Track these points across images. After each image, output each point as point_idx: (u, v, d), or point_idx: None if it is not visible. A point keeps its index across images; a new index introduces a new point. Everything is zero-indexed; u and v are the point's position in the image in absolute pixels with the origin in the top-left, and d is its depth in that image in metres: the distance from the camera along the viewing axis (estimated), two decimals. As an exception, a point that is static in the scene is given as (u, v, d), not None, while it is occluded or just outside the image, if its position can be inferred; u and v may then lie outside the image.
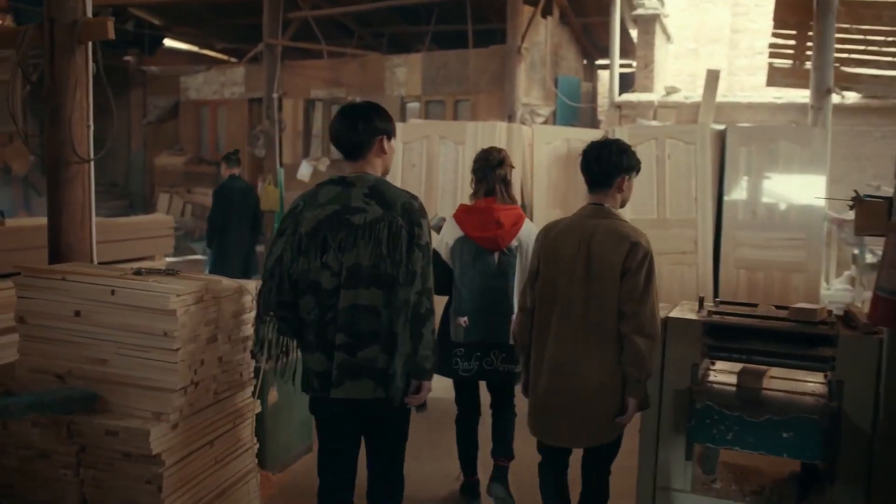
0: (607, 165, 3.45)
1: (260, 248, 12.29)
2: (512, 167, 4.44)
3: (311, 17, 13.68)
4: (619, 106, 12.30)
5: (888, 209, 3.32)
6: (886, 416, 3.23)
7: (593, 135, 8.42)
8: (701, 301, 3.79)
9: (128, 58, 16.66)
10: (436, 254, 4.14)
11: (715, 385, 3.56)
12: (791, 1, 9.82)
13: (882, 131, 11.11)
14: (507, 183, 4.36)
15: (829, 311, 3.59)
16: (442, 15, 14.02)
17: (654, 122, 11.20)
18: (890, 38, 9.89)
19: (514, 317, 4.14)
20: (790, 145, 7.55)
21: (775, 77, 10.66)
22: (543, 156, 8.05)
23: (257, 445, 4.01)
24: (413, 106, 13.51)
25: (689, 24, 15.40)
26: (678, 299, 7.23)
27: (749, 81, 14.57)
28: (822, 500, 3.55)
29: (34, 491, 3.38)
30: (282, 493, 4.54)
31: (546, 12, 13.05)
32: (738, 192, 7.65)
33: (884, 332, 3.30)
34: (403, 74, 13.57)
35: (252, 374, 3.89)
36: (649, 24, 13.28)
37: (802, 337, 3.42)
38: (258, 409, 3.97)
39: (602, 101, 15.33)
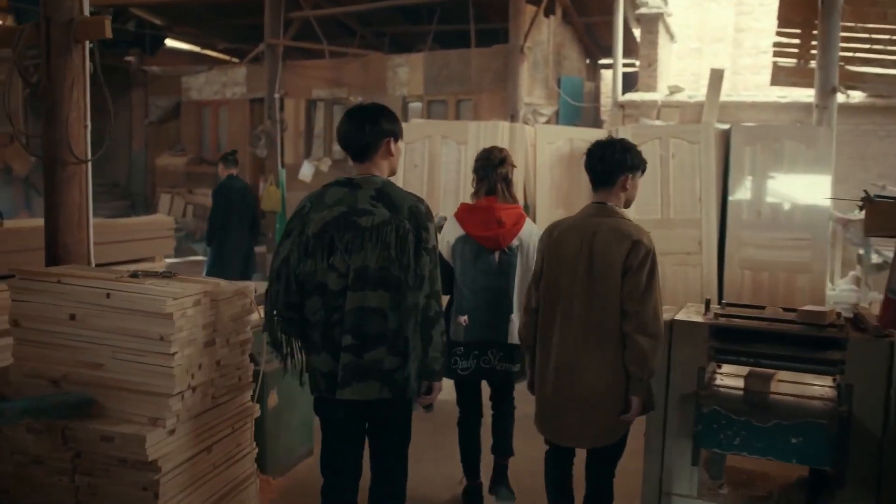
0: (610, 164, 3.44)
1: (261, 249, 12.28)
2: (513, 166, 4.41)
3: (313, 16, 13.64)
4: (622, 105, 12.24)
5: (899, 209, 3.26)
6: (897, 420, 3.18)
7: (597, 134, 8.37)
8: (707, 303, 3.73)
9: (129, 58, 16.63)
10: (437, 252, 4.11)
11: (721, 389, 3.50)
12: (796, -1, 9.78)
13: (887, 130, 11.04)
14: (508, 182, 4.34)
15: (838, 314, 3.53)
16: (444, 14, 13.98)
17: (657, 122, 11.14)
18: (895, 37, 9.83)
19: (513, 316, 4.19)
20: (795, 145, 7.50)
21: (780, 76, 10.61)
22: (546, 156, 8.00)
23: (256, 450, 3.95)
24: (415, 106, 13.46)
25: (693, 23, 15.34)
26: (682, 300, 7.26)
27: (753, 80, 14.51)
28: (831, 506, 3.50)
29: (29, 497, 3.32)
30: (283, 497, 4.48)
31: (549, 11, 13.00)
32: (742, 192, 7.59)
33: (894, 335, 3.25)
34: (405, 74, 13.52)
35: (251, 378, 3.84)
36: (652, 23, 13.22)
37: (811, 340, 3.36)
38: (257, 414, 3.92)
39: (605, 100, 15.28)
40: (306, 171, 13.63)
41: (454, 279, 4.29)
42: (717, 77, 10.85)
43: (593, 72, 16.26)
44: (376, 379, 3.11)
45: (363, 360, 3.09)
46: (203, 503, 3.48)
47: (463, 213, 4.35)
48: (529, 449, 4.68)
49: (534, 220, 7.27)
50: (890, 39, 9.87)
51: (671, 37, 14.48)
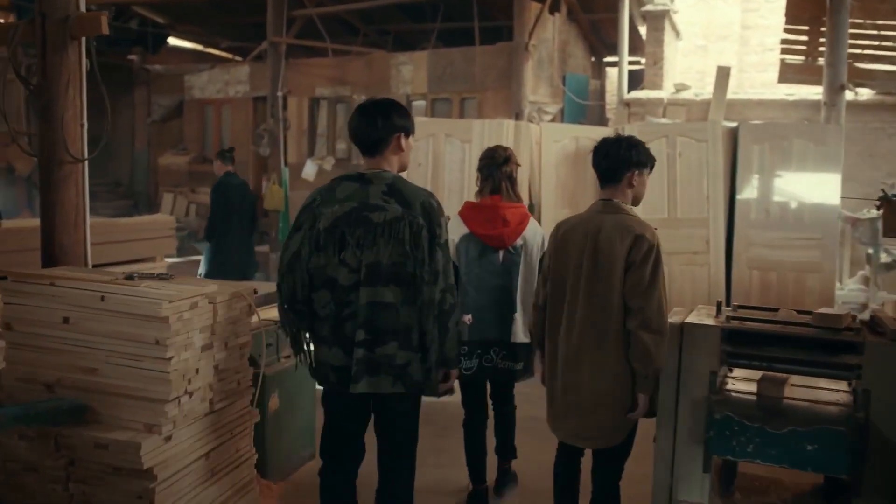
0: (616, 160, 3.45)
1: (262, 248, 12.22)
2: (518, 165, 4.41)
3: (316, 14, 13.58)
4: (627, 103, 12.13)
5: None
6: (916, 426, 3.08)
7: (603, 133, 8.30)
8: (719, 305, 3.63)
9: (132, 56, 16.63)
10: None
11: (734, 394, 3.40)
12: (803, -4, 9.70)
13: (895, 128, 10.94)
14: (512, 181, 4.34)
15: (854, 317, 3.43)
16: (448, 12, 13.92)
17: (663, 120, 11.04)
18: (904, 34, 9.76)
19: (516, 315, 4.22)
20: (804, 143, 7.40)
21: (787, 73, 10.53)
22: (552, 154, 7.93)
23: (256, 455, 3.87)
24: (419, 104, 13.40)
25: (698, 21, 15.22)
26: (689, 300, 7.19)
27: (759, 78, 14.39)
28: (847, 515, 3.40)
29: (22, 505, 3.26)
30: (284, 502, 4.40)
31: (554, 9, 12.93)
32: (750, 191, 7.50)
33: (913, 339, 3.15)
34: (409, 72, 13.46)
35: (251, 382, 3.75)
36: (658, 20, 13.11)
37: (826, 344, 3.26)
38: (257, 419, 3.84)
39: (610, 98, 15.19)
40: (309, 170, 13.58)
41: (458, 278, 4.25)
42: (723, 74, 10.78)
43: (598, 70, 16.19)
44: (388, 373, 3.13)
45: (375, 354, 3.12)
46: (201, 511, 3.41)
47: (467, 212, 4.33)
48: (536, 452, 4.69)
49: (539, 220, 7.27)
50: (899, 36, 9.80)
51: (677, 34, 14.36)
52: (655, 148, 7.19)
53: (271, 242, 12.72)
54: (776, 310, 3.69)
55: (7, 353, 3.35)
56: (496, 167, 4.27)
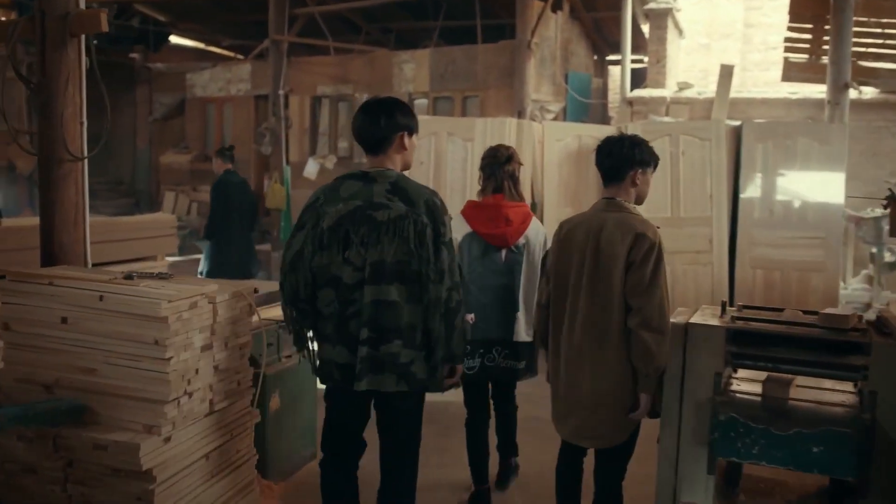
0: (619, 159, 3.45)
1: (265, 247, 12.19)
2: (520, 164, 4.41)
3: (318, 12, 13.53)
4: (630, 102, 12.08)
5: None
6: (923, 428, 3.05)
7: (606, 131, 8.26)
8: (723, 306, 3.60)
9: (133, 55, 16.59)
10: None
11: (739, 395, 3.37)
12: (807, -6, 9.67)
13: (900, 127, 10.89)
14: (515, 180, 4.34)
15: (860, 317, 3.40)
16: (450, 10, 13.88)
17: (666, 119, 11.00)
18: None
19: (518, 314, 4.23)
20: (808, 141, 7.36)
21: (791, 72, 10.49)
22: (554, 153, 7.90)
23: (257, 456, 3.85)
24: (421, 102, 13.35)
25: (701, 19, 15.15)
26: (693, 299, 7.16)
27: (762, 77, 14.33)
28: (853, 517, 3.36)
29: (21, 506, 3.23)
30: (285, 502, 4.37)
31: (556, 7, 12.89)
32: (754, 190, 7.47)
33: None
34: (411, 70, 13.42)
35: (251, 382, 3.72)
36: (661, 18, 13.05)
37: (833, 344, 3.23)
38: (257, 419, 3.81)
39: (613, 97, 15.15)
40: (311, 169, 13.55)
41: (462, 276, 4.23)
42: (727, 73, 10.74)
43: (601, 68, 16.14)
44: (392, 372, 3.15)
45: (379, 352, 3.13)
46: (201, 513, 3.38)
47: (470, 211, 4.33)
48: (537, 452, 4.71)
49: (541, 219, 7.25)
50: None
51: (680, 32, 14.31)
52: (658, 146, 7.11)
53: (273, 241, 12.69)
54: (781, 310, 3.66)
55: (5, 353, 3.32)
56: (499, 166, 4.27)
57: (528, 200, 5.27)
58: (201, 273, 8.63)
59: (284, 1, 12.95)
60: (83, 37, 4.06)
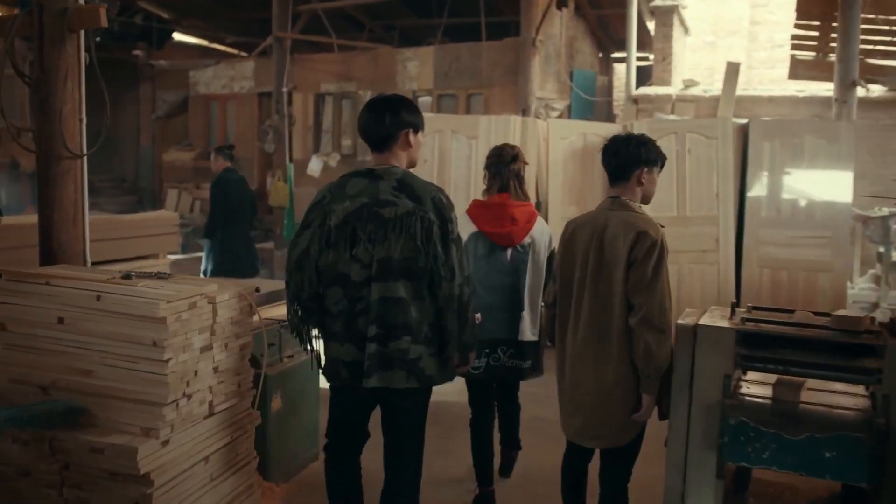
0: (624, 158, 3.44)
1: (268, 245, 12.15)
2: (525, 163, 4.40)
3: (321, 9, 13.51)
4: (636, 100, 12.01)
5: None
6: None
7: (611, 129, 8.22)
8: (733, 307, 3.53)
9: (136, 52, 16.53)
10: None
11: (748, 398, 3.30)
12: (814, -9, 9.60)
13: (908, 125, 10.80)
14: (520, 179, 4.34)
15: (873, 319, 3.33)
16: (454, 7, 13.82)
17: (672, 116, 10.93)
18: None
19: (524, 314, 4.24)
20: (816, 140, 7.29)
21: (798, 69, 10.43)
22: (559, 151, 7.85)
23: (257, 459, 3.79)
24: (425, 100, 13.32)
25: (707, 17, 15.08)
26: (699, 298, 7.10)
27: (768, 75, 14.26)
28: (865, 523, 3.30)
29: (16, 510, 3.18)
30: (286, 504, 4.34)
31: (561, 4, 12.86)
32: (760, 189, 7.39)
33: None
34: (415, 68, 13.38)
35: (252, 384, 3.67)
36: (667, 15, 12.98)
37: (845, 347, 3.16)
38: (258, 421, 3.75)
39: (618, 94, 15.09)
40: (314, 166, 13.51)
41: None
42: (733, 71, 10.67)
43: (606, 65, 16.10)
44: (402, 368, 3.15)
45: (388, 349, 3.13)
46: (200, 517, 3.32)
47: (475, 210, 4.32)
48: (541, 452, 4.76)
49: (546, 217, 7.20)
50: (912, 32, 9.68)
51: (685, 30, 14.23)
52: (664, 145, 7.04)
53: (276, 239, 12.65)
54: (792, 311, 3.59)
55: (0, 354, 3.27)
56: (504, 165, 4.27)
57: (532, 199, 5.25)
58: (204, 272, 8.59)
59: (288, -2, 12.92)
60: (82, 32, 4.01)
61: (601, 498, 3.54)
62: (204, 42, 17.79)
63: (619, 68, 15.68)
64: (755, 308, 3.63)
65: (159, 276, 3.36)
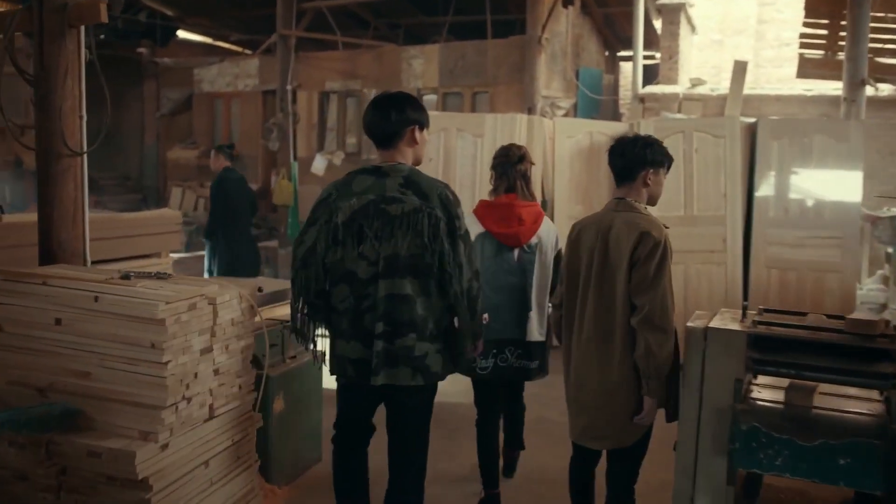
0: (630, 159, 3.45)
1: (272, 244, 12.10)
2: (532, 163, 4.40)
3: (326, 7, 13.47)
4: (642, 98, 11.94)
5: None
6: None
7: (617, 128, 8.16)
8: (744, 309, 3.46)
9: (141, 49, 16.50)
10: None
11: (760, 403, 3.23)
12: (823, -11, 9.52)
13: (918, 125, 10.71)
14: (527, 179, 4.33)
15: (888, 322, 3.26)
16: (459, 5, 13.79)
17: (678, 115, 10.86)
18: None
19: (531, 314, 4.24)
20: (825, 139, 7.21)
21: (806, 68, 10.34)
22: (565, 149, 7.80)
23: (259, 462, 3.74)
24: (430, 98, 13.26)
25: (714, 15, 15.00)
26: (706, 299, 7.03)
27: (775, 73, 14.18)
28: (879, 531, 3.22)
29: (13, 514, 3.13)
30: (289, 507, 4.29)
31: (567, 2, 12.76)
32: (768, 188, 7.31)
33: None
34: (420, 66, 13.32)
35: (253, 386, 3.61)
36: (674, 13, 12.91)
37: (859, 351, 3.09)
38: (260, 424, 3.70)
39: (624, 93, 15.02)
40: (319, 165, 13.46)
41: None
42: (740, 69, 10.58)
43: (612, 64, 16.03)
44: (408, 365, 3.16)
45: (394, 346, 3.14)
46: (200, 522, 3.27)
47: (482, 210, 4.31)
48: (544, 454, 4.81)
49: (552, 216, 7.14)
50: (922, 30, 9.59)
51: (692, 28, 14.17)
52: (671, 144, 7.02)
53: (280, 238, 12.60)
54: (804, 314, 3.53)
55: (-3, 355, 3.22)
56: (511, 166, 4.27)
57: (538, 198, 5.21)
58: (209, 272, 8.56)
59: (292, -5, 12.87)
60: (82, 28, 3.96)
61: (608, 499, 3.53)
62: (208, 40, 17.74)
63: (626, 67, 15.63)
64: (766, 310, 3.57)
65: (159, 276, 3.30)
